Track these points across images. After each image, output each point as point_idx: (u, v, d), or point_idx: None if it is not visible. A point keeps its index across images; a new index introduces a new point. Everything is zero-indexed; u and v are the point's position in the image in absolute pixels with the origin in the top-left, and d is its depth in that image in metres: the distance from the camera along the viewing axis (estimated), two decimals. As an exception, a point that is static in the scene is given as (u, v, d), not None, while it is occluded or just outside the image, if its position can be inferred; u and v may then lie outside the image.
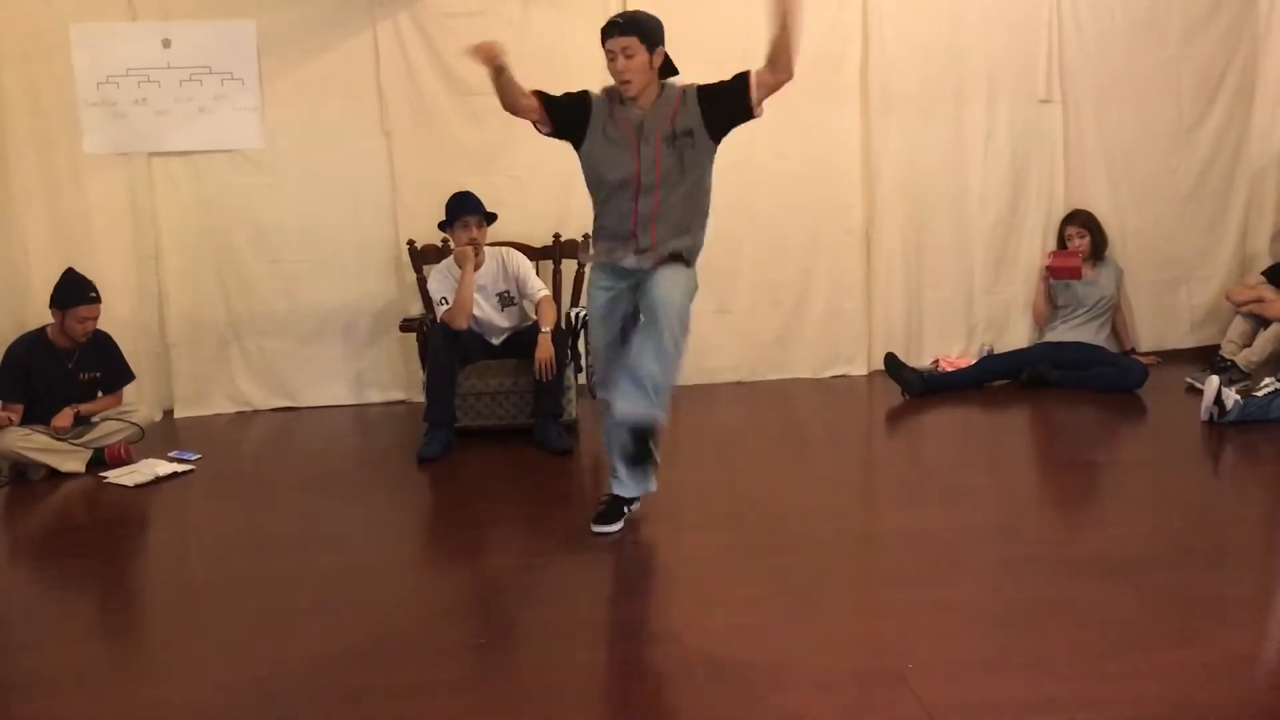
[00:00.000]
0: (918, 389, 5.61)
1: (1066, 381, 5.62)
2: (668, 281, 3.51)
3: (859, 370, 6.17)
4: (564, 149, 5.74)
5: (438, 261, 5.35)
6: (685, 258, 3.63)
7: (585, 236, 4.98)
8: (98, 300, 4.98)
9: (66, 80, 5.56)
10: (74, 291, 4.93)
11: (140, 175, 5.69)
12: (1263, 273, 5.91)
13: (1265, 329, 5.54)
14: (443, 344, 4.97)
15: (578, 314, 5.34)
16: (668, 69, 3.67)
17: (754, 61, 3.55)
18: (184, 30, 5.63)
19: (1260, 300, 5.67)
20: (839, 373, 6.14)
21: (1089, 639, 2.91)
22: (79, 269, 5.08)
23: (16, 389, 4.89)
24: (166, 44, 5.62)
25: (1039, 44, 6.02)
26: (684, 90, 3.64)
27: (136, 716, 2.77)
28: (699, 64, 5.70)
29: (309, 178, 5.76)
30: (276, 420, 5.82)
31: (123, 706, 2.81)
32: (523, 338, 5.11)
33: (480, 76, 5.87)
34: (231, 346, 5.89)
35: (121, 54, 5.59)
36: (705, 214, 3.72)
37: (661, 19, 3.67)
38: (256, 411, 5.90)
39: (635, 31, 3.52)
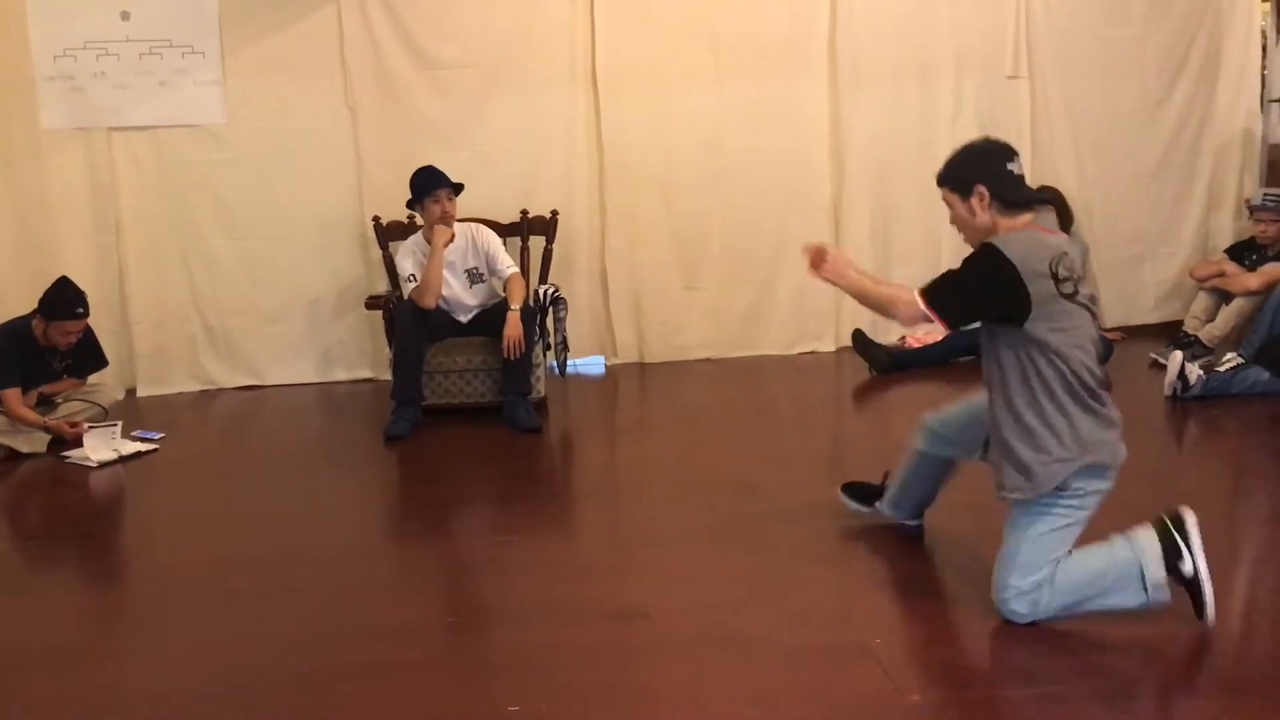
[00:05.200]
0: (885, 365, 5.64)
1: (1032, 357, 5.65)
2: None
3: (827, 347, 6.18)
4: (533, 124, 5.78)
5: (403, 238, 5.29)
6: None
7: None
8: (85, 316, 4.83)
9: (23, 53, 5.45)
10: (61, 307, 4.76)
11: (100, 151, 5.59)
12: (1225, 249, 5.98)
13: (1228, 304, 5.61)
14: (410, 322, 4.92)
15: (546, 291, 5.31)
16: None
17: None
18: (143, 2, 5.52)
19: (1222, 275, 5.74)
20: (808, 349, 6.16)
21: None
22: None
23: (14, 377, 4.77)
24: (125, 16, 5.52)
25: (1006, 20, 6.04)
26: None
27: (103, 700, 2.74)
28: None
29: (272, 153, 5.69)
30: (241, 399, 5.76)
31: (90, 689, 2.78)
32: (491, 315, 5.08)
33: (447, 50, 5.83)
34: (194, 324, 5.82)
35: (79, 26, 5.48)
36: None
37: None
38: (220, 390, 5.84)
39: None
